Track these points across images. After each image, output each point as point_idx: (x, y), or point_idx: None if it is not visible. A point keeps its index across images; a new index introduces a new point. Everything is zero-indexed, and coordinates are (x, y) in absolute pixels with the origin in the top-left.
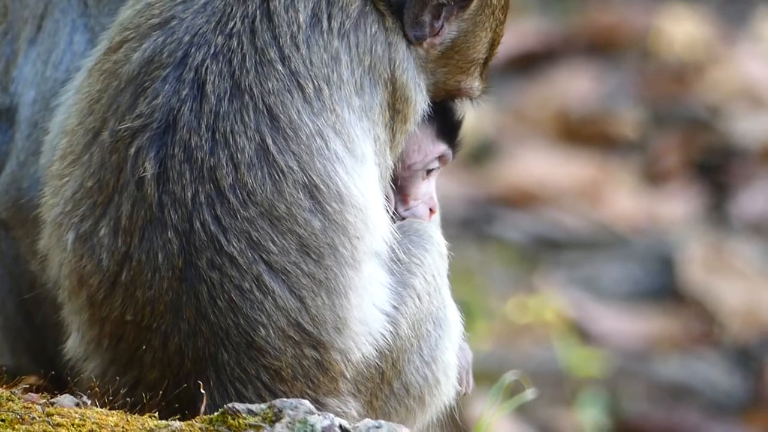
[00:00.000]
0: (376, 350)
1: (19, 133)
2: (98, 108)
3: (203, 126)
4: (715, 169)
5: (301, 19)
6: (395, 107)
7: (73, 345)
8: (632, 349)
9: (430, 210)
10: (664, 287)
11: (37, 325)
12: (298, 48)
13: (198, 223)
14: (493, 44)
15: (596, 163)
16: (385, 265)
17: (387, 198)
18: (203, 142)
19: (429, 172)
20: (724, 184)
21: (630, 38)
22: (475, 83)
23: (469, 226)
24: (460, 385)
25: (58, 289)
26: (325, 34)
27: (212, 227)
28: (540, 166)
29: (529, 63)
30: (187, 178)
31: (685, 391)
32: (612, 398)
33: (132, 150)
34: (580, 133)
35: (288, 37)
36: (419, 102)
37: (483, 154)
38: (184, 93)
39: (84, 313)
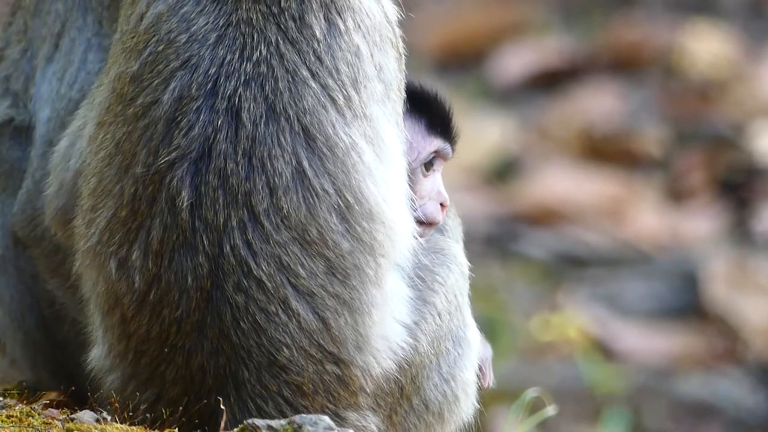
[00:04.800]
0: (396, 364)
1: (34, 151)
2: (127, 147)
3: (239, 152)
4: (739, 187)
5: (317, 33)
6: (399, 52)
7: (97, 356)
8: (655, 367)
9: (442, 205)
10: (687, 304)
11: (58, 341)
12: (321, 61)
13: (228, 247)
14: None
15: (620, 181)
16: (405, 278)
17: None
18: (239, 168)
19: (428, 167)
20: (748, 202)
21: (653, 56)
22: None
23: (492, 243)
24: (480, 378)
25: (89, 308)
26: (344, 35)
27: (242, 251)
28: (563, 183)
29: (553, 81)
30: (221, 204)
31: (707, 409)
32: (635, 416)
33: (168, 181)
34: (604, 150)
35: (311, 53)
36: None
37: (507, 171)
38: (220, 121)
39: (116, 330)
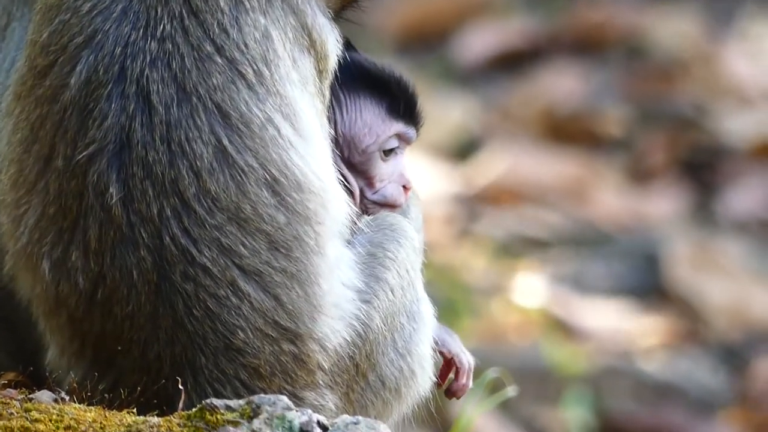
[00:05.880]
0: (351, 338)
1: None
2: (43, 135)
3: (157, 139)
4: (702, 168)
5: (222, 4)
6: (319, 69)
7: (54, 358)
8: (617, 348)
9: (404, 187)
10: (649, 285)
11: (13, 322)
12: (228, 34)
13: (168, 238)
14: None
15: (582, 161)
16: (348, 245)
17: (350, 185)
18: (160, 155)
19: (388, 153)
20: (711, 183)
21: (616, 36)
22: None
23: (454, 223)
24: (460, 379)
25: (32, 308)
26: (251, 12)
27: (182, 240)
28: (525, 164)
29: (516, 61)
30: (151, 195)
31: (670, 390)
32: (597, 396)
33: (91, 174)
34: (566, 131)
35: (215, 25)
36: (333, 51)
37: (468, 151)
38: (132, 108)
39: (65, 331)
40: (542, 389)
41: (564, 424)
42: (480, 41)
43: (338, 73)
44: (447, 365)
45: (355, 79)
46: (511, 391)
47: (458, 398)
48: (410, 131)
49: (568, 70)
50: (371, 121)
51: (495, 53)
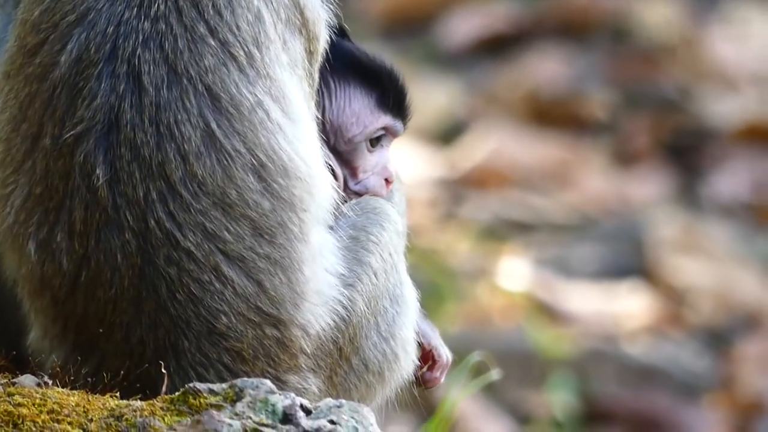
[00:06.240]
0: (334, 322)
1: None
2: (32, 113)
3: (146, 121)
4: (686, 151)
5: None
6: (310, 50)
7: (36, 339)
8: (601, 331)
9: (387, 180)
10: (634, 269)
11: None
12: (221, 15)
13: (153, 222)
14: None
15: (567, 145)
16: (332, 232)
17: (334, 173)
18: (149, 137)
19: (374, 143)
20: (695, 166)
21: (601, 20)
22: None
23: (438, 207)
24: (434, 371)
25: (17, 288)
26: None
27: (167, 224)
28: (510, 147)
29: (500, 45)
30: (137, 178)
31: (654, 373)
32: (581, 379)
33: (78, 155)
34: (551, 114)
35: (210, 7)
36: (324, 31)
37: (453, 135)
38: (122, 88)
39: (49, 312)
40: (527, 373)
41: (548, 408)
42: (464, 25)
43: (329, 60)
44: (425, 357)
45: (346, 68)
46: (495, 374)
47: (427, 389)
48: (398, 125)
49: (553, 53)
50: (359, 111)
51: (479, 37)
